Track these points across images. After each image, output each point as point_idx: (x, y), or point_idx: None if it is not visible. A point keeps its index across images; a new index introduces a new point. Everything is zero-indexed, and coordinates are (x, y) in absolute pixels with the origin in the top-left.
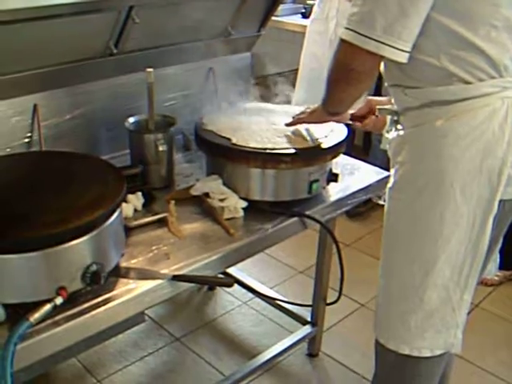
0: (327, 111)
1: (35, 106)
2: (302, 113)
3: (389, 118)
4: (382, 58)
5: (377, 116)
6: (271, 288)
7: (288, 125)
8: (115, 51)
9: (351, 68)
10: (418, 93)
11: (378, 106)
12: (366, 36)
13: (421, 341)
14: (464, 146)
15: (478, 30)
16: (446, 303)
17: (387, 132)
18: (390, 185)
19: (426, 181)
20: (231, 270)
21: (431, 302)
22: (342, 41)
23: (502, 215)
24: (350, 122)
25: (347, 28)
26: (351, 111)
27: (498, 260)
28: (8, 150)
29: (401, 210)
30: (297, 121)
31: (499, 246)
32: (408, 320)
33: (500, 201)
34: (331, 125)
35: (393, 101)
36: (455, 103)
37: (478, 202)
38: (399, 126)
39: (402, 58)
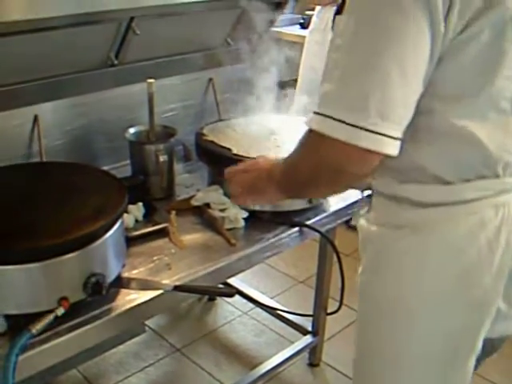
0: (282, 194)
1: (36, 117)
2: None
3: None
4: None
5: None
6: (272, 298)
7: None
8: (116, 62)
9: (326, 167)
10: (383, 182)
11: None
12: (346, 123)
13: None
14: (434, 270)
15: (473, 112)
16: None
17: (362, 217)
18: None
19: (381, 307)
20: (232, 280)
21: None
22: (311, 132)
23: (491, 351)
24: None
25: (321, 112)
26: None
27: None
28: (9, 160)
29: (360, 320)
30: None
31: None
32: None
33: (484, 339)
34: None
35: None
36: (428, 208)
37: (454, 342)
38: (372, 216)
39: (395, 149)
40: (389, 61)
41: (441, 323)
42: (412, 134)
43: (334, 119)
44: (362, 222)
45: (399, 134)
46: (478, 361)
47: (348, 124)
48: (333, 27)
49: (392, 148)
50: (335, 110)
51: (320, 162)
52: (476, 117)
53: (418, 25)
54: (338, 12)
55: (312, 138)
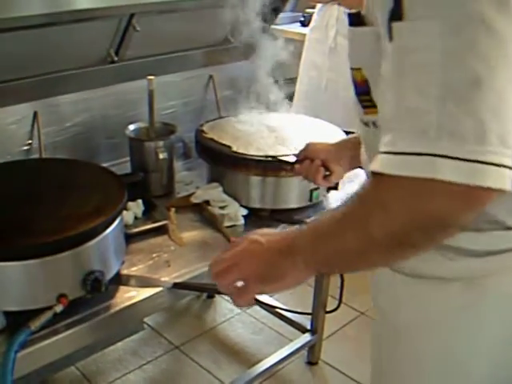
0: (314, 269)
1: (35, 114)
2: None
3: None
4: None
5: (312, 161)
6: (270, 296)
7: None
8: (116, 59)
9: (449, 224)
10: None
11: None
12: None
13: None
14: (492, 326)
15: None
16: None
17: None
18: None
19: (425, 361)
20: None
21: None
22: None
23: None
24: (292, 161)
25: (437, 155)
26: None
27: None
28: (8, 157)
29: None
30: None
31: None
32: None
33: None
34: (331, 133)
35: None
36: (485, 256)
37: None
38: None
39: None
40: (502, 76)
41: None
42: None
43: (438, 156)
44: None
45: None
46: None
47: (462, 160)
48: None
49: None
50: (443, 145)
51: (414, 217)
52: None
53: None
54: (393, 17)
55: (399, 187)
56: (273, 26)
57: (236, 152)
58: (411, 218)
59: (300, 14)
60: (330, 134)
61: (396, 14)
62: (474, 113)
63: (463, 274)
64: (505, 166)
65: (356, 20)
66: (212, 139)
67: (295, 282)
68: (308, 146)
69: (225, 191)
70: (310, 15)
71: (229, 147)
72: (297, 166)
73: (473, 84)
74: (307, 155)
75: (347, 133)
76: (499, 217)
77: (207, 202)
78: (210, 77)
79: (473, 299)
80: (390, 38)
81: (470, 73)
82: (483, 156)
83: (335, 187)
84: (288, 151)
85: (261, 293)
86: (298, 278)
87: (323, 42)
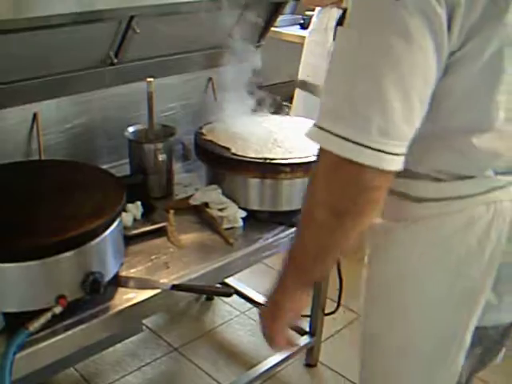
0: (301, 282)
1: (35, 115)
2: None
3: None
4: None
5: None
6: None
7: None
8: (115, 61)
9: (366, 187)
10: None
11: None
12: (359, 143)
13: None
14: (427, 262)
15: (469, 122)
16: None
17: None
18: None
19: (378, 292)
20: (229, 280)
21: None
22: (326, 158)
23: (488, 344)
24: None
25: (338, 135)
26: None
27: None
28: (8, 158)
29: (364, 323)
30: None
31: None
32: None
33: (480, 328)
34: None
35: None
36: (424, 202)
37: (444, 333)
38: None
39: (399, 165)
40: (392, 85)
41: (434, 316)
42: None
43: (341, 137)
44: None
45: (403, 151)
46: (482, 361)
47: (350, 141)
48: (334, 37)
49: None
50: (340, 128)
51: (329, 183)
52: (472, 126)
53: (424, 50)
54: (340, 22)
55: (328, 161)
56: (272, 29)
57: (235, 154)
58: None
59: (299, 16)
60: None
61: (340, 21)
62: (364, 109)
63: (410, 215)
64: (383, 151)
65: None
66: (211, 141)
67: (294, 304)
68: None
69: (224, 193)
70: (310, 18)
71: (228, 149)
72: None
73: (365, 91)
74: None
75: None
76: (433, 171)
77: (206, 204)
78: (210, 79)
79: (414, 235)
80: (334, 38)
81: (364, 79)
82: (370, 143)
83: None
84: (287, 154)
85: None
86: (292, 299)
87: (322, 44)
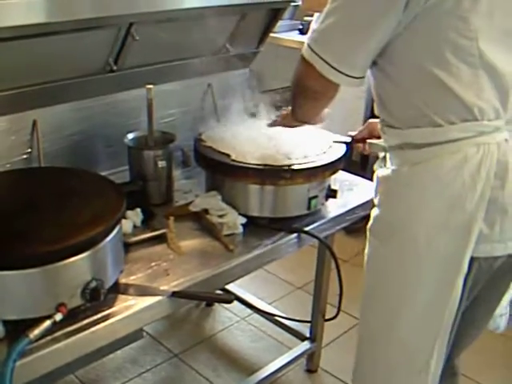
0: (295, 119)
1: (34, 122)
2: (280, 115)
3: (380, 153)
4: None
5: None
6: (270, 304)
7: (269, 126)
8: (115, 68)
9: (306, 86)
10: (392, 132)
11: (368, 141)
12: (320, 57)
13: None
14: (429, 197)
15: (448, 66)
16: (410, 364)
17: (379, 167)
18: (369, 225)
19: (391, 231)
20: (229, 286)
21: (395, 358)
22: (302, 56)
23: (479, 274)
24: (349, 141)
25: (307, 43)
26: (352, 133)
27: (508, 315)
28: (7, 165)
29: (371, 256)
30: (274, 123)
31: (498, 305)
32: (376, 370)
33: (473, 258)
34: (329, 141)
35: None
36: (423, 148)
37: (444, 260)
38: (387, 164)
39: (354, 84)
40: (360, 29)
41: (439, 245)
42: (411, 86)
43: (311, 49)
44: (377, 170)
45: (353, 73)
46: (467, 281)
47: (315, 53)
48: None
49: (340, 80)
50: (312, 43)
51: (295, 76)
52: (451, 71)
53: (382, 11)
54: None
55: (298, 60)
56: (271, 35)
57: (234, 160)
58: (294, 77)
59: (298, 22)
60: (329, 142)
61: None
62: (327, 31)
63: (411, 160)
64: (335, 68)
65: None
66: (210, 148)
67: (296, 125)
68: (371, 124)
69: (223, 199)
70: (309, 23)
71: (227, 156)
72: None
73: (343, 28)
74: (373, 132)
75: (347, 144)
76: (430, 116)
77: (206, 211)
78: (209, 85)
79: (415, 177)
80: None
81: (344, 23)
82: (324, 56)
83: (334, 195)
84: (286, 160)
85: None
86: (293, 122)
87: None
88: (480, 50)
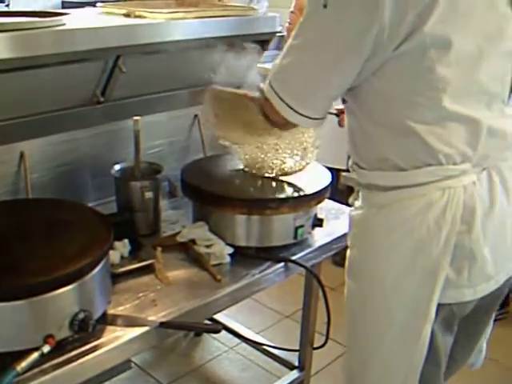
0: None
1: (22, 154)
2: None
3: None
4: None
5: None
6: (258, 333)
7: None
8: (102, 99)
9: (267, 116)
10: (360, 172)
11: (343, 174)
12: (278, 95)
13: None
14: (396, 241)
15: (414, 114)
16: None
17: (354, 200)
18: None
19: (361, 273)
20: (217, 316)
21: None
22: (261, 90)
23: (452, 319)
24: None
25: (269, 78)
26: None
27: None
28: None
29: (347, 295)
30: None
31: (477, 341)
32: None
33: (443, 305)
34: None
35: None
36: (389, 191)
37: (411, 304)
38: (359, 200)
39: (313, 124)
40: (321, 72)
41: (406, 290)
42: (375, 130)
43: (270, 86)
44: (350, 210)
45: (310, 114)
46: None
47: (274, 91)
48: None
49: (296, 119)
50: (272, 79)
51: (260, 105)
52: (417, 116)
53: (350, 56)
54: None
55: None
56: (258, 65)
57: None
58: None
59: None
60: (315, 172)
61: None
62: (287, 68)
63: (378, 202)
64: (291, 108)
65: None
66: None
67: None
68: None
69: (210, 230)
70: None
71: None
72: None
73: (302, 71)
74: None
75: (332, 171)
76: (394, 161)
77: (193, 241)
78: (195, 116)
79: (382, 220)
80: None
81: (305, 65)
82: (282, 94)
83: (320, 224)
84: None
85: None
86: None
87: None
88: (447, 100)
